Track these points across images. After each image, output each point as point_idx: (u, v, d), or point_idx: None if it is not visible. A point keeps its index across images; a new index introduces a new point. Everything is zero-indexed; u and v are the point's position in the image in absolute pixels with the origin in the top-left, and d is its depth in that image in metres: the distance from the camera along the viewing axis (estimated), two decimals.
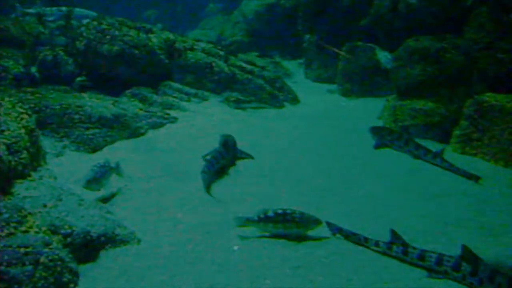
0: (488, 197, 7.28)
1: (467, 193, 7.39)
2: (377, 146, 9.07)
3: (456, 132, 9.00)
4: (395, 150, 8.93)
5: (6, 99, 7.18)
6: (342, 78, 12.30)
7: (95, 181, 6.43)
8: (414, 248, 5.52)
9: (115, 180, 7.01)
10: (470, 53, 9.69)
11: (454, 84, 9.58)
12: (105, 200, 6.68)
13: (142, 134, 8.86)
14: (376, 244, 5.75)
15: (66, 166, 7.52)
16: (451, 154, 8.66)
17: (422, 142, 8.84)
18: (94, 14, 11.49)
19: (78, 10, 12.11)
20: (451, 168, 8.11)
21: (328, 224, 6.04)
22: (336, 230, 6.02)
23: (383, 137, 9.13)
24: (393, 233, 5.67)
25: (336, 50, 12.06)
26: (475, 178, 7.80)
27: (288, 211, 5.89)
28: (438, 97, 9.55)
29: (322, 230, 5.99)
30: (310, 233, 5.94)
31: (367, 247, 5.80)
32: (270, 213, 5.88)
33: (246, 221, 5.94)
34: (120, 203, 6.63)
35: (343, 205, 6.82)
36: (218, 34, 16.94)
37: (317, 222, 5.91)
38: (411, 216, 6.61)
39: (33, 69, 10.99)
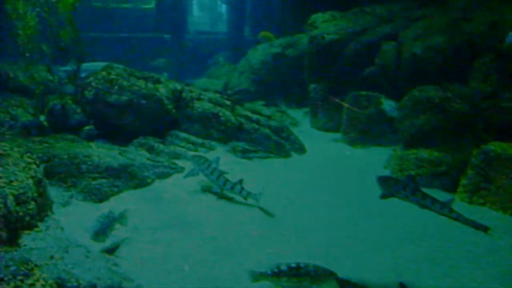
0: (497, 247, 7.21)
1: (476, 244, 7.30)
2: (383, 196, 9.04)
3: (463, 181, 8.96)
4: (402, 199, 8.90)
5: (15, 149, 7.23)
6: (347, 127, 12.35)
7: (102, 232, 6.43)
8: None
9: (122, 231, 7.00)
10: (475, 103, 9.75)
11: (460, 133, 9.61)
12: (110, 251, 6.63)
13: (149, 184, 8.84)
14: None
15: (73, 216, 7.49)
16: (458, 204, 8.61)
17: (429, 192, 8.80)
18: (103, 64, 11.65)
19: (87, 65, 12.32)
20: (459, 218, 8.05)
21: (337, 279, 5.96)
22: (345, 283, 5.95)
23: (390, 186, 9.11)
24: (402, 286, 5.61)
25: (341, 102, 12.15)
26: (484, 229, 7.74)
27: (302, 265, 5.80)
28: (444, 146, 9.57)
29: (331, 284, 5.91)
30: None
31: None
32: (284, 267, 5.80)
33: (260, 276, 5.86)
34: (127, 254, 6.57)
35: (351, 258, 6.75)
36: (225, 83, 17.12)
37: (331, 275, 5.84)
38: (419, 268, 6.53)
39: (42, 118, 11.11)
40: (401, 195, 8.93)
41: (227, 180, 8.49)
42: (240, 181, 8.43)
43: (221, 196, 8.59)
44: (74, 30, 11.49)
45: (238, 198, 8.49)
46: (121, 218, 6.97)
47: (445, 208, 8.27)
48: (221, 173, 8.61)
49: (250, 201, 8.37)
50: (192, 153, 10.10)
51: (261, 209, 8.24)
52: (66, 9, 11.30)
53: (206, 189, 8.78)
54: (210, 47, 24.46)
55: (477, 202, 8.71)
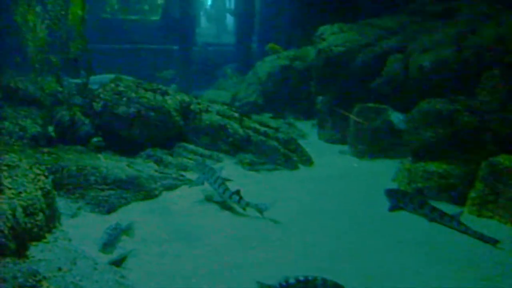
0: (506, 260, 7.17)
1: (485, 257, 7.27)
2: (391, 209, 9.02)
3: (472, 194, 8.92)
4: (410, 212, 8.87)
5: (24, 160, 7.28)
6: (354, 139, 12.32)
7: (110, 244, 6.45)
8: None
9: (130, 243, 7.02)
10: (483, 115, 9.72)
11: (468, 146, 9.56)
12: (117, 262, 6.63)
13: (157, 195, 8.86)
14: None
15: (80, 227, 7.51)
16: (467, 217, 8.58)
17: (437, 205, 8.77)
18: (112, 76, 11.70)
19: (95, 78, 12.40)
20: (468, 231, 8.02)
21: None
22: None
23: (398, 199, 9.09)
24: None
25: (348, 114, 12.13)
26: (493, 242, 7.69)
27: (310, 278, 5.76)
28: (453, 159, 9.53)
29: None
30: None
31: None
32: (292, 280, 5.77)
33: None
34: (134, 266, 6.57)
35: (358, 271, 6.73)
36: (233, 95, 17.13)
37: None
38: (428, 281, 6.51)
39: (50, 129, 11.16)
40: (409, 208, 8.91)
41: (226, 189, 8.53)
42: (238, 192, 8.45)
43: (224, 206, 8.63)
44: (83, 42, 11.57)
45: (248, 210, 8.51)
46: (128, 229, 6.99)
47: (453, 221, 8.24)
48: (223, 181, 8.64)
49: (249, 210, 8.41)
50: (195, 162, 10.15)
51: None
52: (76, 21, 11.39)
53: (214, 201, 8.79)
54: (218, 58, 24.51)
55: (486, 215, 8.67)
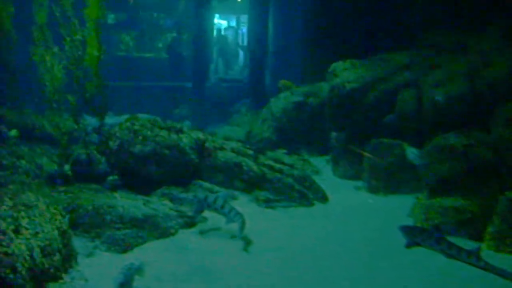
0: None
1: None
2: (408, 245, 8.94)
3: (489, 229, 8.82)
4: (427, 248, 8.78)
5: (41, 199, 7.35)
6: (369, 175, 12.28)
7: (126, 284, 6.44)
8: None
9: (144, 282, 7.00)
10: (498, 149, 9.70)
11: (484, 180, 9.53)
12: None
13: (173, 234, 8.85)
14: None
15: (97, 267, 7.51)
16: (485, 252, 8.46)
17: (455, 240, 8.68)
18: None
19: (118, 118, 12.56)
20: (487, 267, 7.91)
21: None
22: None
23: (415, 235, 9.01)
24: None
25: (361, 152, 12.13)
26: None
27: None
28: (469, 194, 9.48)
29: None
30: None
31: None
32: None
33: None
34: None
35: None
36: (247, 131, 17.21)
37: None
38: None
39: (66, 167, 11.26)
40: (426, 244, 8.82)
41: (234, 211, 8.72)
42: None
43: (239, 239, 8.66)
44: (99, 82, 11.77)
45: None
46: (139, 269, 6.97)
47: (472, 257, 8.13)
48: (225, 200, 8.84)
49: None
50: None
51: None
52: (92, 61, 11.62)
53: (229, 238, 8.77)
54: (232, 94, 24.75)
55: (504, 250, 8.55)
